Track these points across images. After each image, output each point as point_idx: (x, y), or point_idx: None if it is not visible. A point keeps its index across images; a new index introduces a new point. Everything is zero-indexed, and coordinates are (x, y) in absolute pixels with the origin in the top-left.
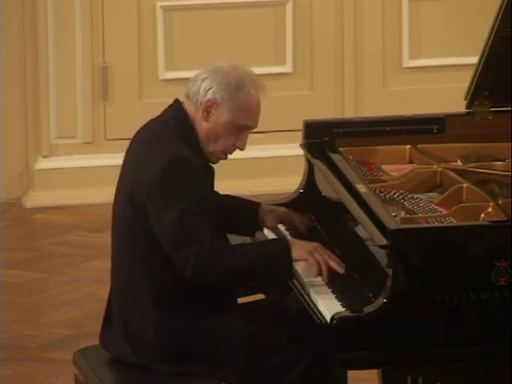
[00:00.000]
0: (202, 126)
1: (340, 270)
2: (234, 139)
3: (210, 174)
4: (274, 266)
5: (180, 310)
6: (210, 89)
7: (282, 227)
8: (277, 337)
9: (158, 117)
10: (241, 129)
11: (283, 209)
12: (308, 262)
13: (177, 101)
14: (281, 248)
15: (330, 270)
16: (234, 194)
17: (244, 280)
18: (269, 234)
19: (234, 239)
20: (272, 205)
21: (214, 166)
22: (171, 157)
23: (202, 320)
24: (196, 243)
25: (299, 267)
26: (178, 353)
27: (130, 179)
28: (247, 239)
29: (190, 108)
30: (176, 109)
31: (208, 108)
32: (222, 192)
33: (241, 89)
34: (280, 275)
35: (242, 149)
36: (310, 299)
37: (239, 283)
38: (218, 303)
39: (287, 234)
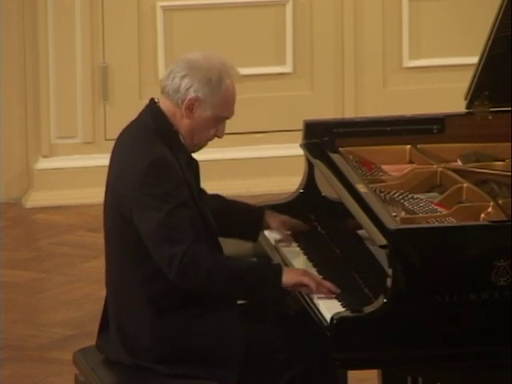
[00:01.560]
0: (184, 122)
1: (336, 290)
2: (215, 130)
3: (193, 168)
4: (262, 282)
5: (177, 311)
6: (190, 87)
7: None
8: (276, 336)
9: (136, 119)
10: (221, 120)
11: (287, 217)
12: (302, 284)
13: (152, 100)
14: (272, 270)
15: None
16: (235, 198)
17: (229, 288)
18: (272, 234)
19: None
20: (272, 205)
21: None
22: (150, 160)
23: (200, 321)
24: (181, 242)
25: (300, 267)
26: (176, 354)
27: (114, 186)
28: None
29: (167, 105)
30: (152, 109)
31: (191, 106)
32: (221, 192)
33: (222, 83)
34: (267, 294)
35: (220, 137)
36: (310, 299)
37: (223, 292)
38: (215, 303)
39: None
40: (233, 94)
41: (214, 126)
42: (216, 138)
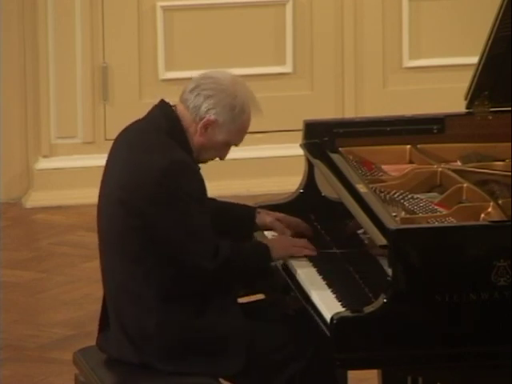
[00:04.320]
0: (196, 138)
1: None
2: (220, 153)
3: None
4: (254, 262)
5: (180, 304)
6: (212, 109)
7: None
8: (276, 335)
9: (144, 118)
10: (230, 145)
11: (281, 214)
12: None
13: (163, 102)
14: (260, 248)
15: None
16: (229, 198)
17: (233, 272)
18: (270, 234)
19: None
20: (272, 205)
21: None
22: (172, 161)
23: (203, 312)
24: (213, 237)
25: (301, 272)
26: (181, 348)
27: (119, 180)
28: None
29: (184, 114)
30: (164, 110)
31: (207, 126)
32: (221, 193)
33: (244, 113)
34: (257, 274)
35: (222, 159)
36: (310, 299)
37: (240, 278)
38: (218, 296)
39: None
40: (248, 125)
41: (222, 150)
42: None
